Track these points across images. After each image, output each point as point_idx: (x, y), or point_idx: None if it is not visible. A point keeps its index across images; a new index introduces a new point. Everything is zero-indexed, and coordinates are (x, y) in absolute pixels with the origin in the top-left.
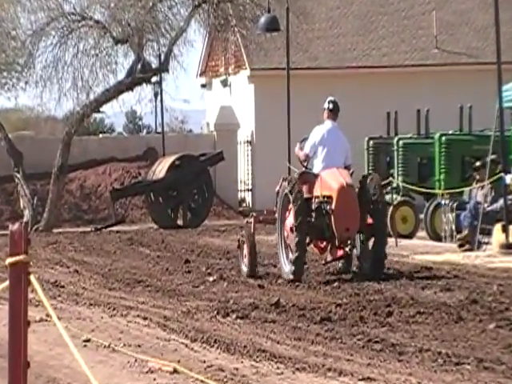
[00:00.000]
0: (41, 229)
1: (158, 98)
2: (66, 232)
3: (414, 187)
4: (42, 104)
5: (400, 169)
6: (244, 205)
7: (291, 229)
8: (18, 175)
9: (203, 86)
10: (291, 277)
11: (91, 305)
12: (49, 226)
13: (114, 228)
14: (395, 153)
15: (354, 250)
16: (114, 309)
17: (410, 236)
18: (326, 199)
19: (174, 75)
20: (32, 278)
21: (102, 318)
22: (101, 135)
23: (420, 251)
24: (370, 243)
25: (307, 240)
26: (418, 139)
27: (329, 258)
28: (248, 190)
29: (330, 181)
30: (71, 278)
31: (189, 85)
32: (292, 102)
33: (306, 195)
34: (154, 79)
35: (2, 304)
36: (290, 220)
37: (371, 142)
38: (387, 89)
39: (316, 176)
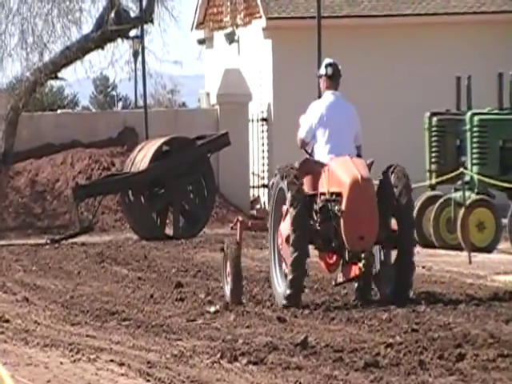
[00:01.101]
0: None
1: (139, 58)
2: (12, 245)
3: (494, 181)
4: None
5: (475, 156)
6: (258, 206)
7: (287, 238)
8: None
9: (201, 42)
10: (284, 302)
11: (46, 346)
12: None
13: (78, 239)
14: (468, 134)
15: (374, 269)
16: (77, 351)
17: (488, 249)
18: (334, 197)
19: (160, 27)
20: None
21: (61, 363)
22: (59, 111)
23: (502, 270)
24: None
25: (309, 253)
26: (501, 115)
27: (340, 279)
28: (263, 186)
29: (341, 173)
30: (19, 308)
31: (181, 41)
32: None
33: (309, 191)
34: (132, 33)
35: None
36: (285, 225)
37: (434, 120)
38: (456, 45)
39: (323, 166)
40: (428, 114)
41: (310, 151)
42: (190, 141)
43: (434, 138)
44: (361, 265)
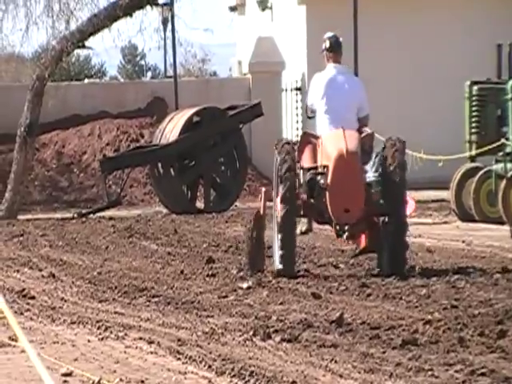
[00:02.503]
0: (1, 215)
1: (168, 26)
2: (38, 219)
3: None
4: (2, 36)
5: None
6: None
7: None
8: None
9: (232, 8)
10: (280, 267)
11: (73, 323)
12: (13, 212)
13: (106, 213)
14: (510, 103)
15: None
16: (105, 329)
17: None
18: (322, 171)
19: None
20: None
21: (88, 341)
22: (86, 80)
23: None
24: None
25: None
26: None
27: (357, 251)
28: None
29: (329, 146)
30: (45, 285)
31: (212, 7)
32: (361, 30)
33: (309, 165)
34: (162, 0)
35: None
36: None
37: (474, 88)
38: (496, 13)
39: (317, 139)
40: (468, 82)
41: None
42: (221, 111)
43: (474, 108)
44: (344, 237)
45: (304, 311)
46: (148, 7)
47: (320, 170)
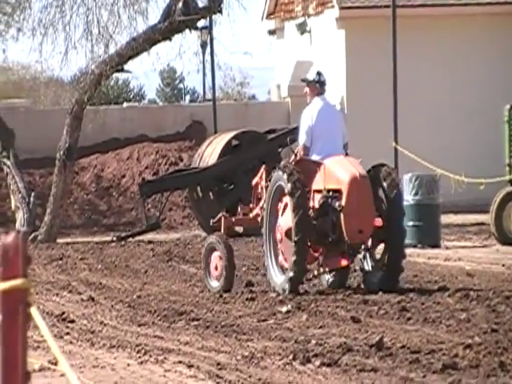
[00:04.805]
0: (40, 238)
1: (207, 50)
2: (77, 243)
3: None
4: (42, 60)
5: None
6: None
7: (286, 232)
8: (8, 162)
9: (271, 32)
10: (287, 286)
11: (113, 347)
12: (52, 235)
13: (145, 237)
14: None
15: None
16: (145, 352)
17: None
18: (331, 194)
19: (229, 18)
20: (33, 310)
21: (128, 365)
22: (125, 104)
23: None
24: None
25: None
26: None
27: (321, 270)
28: None
29: (338, 171)
30: (84, 308)
31: (251, 31)
32: (400, 54)
33: (312, 188)
34: (201, 23)
35: None
36: (285, 220)
37: None
38: None
39: (318, 164)
40: (508, 106)
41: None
42: (260, 135)
43: None
44: (360, 256)
45: (343, 335)
46: (187, 31)
47: (325, 193)
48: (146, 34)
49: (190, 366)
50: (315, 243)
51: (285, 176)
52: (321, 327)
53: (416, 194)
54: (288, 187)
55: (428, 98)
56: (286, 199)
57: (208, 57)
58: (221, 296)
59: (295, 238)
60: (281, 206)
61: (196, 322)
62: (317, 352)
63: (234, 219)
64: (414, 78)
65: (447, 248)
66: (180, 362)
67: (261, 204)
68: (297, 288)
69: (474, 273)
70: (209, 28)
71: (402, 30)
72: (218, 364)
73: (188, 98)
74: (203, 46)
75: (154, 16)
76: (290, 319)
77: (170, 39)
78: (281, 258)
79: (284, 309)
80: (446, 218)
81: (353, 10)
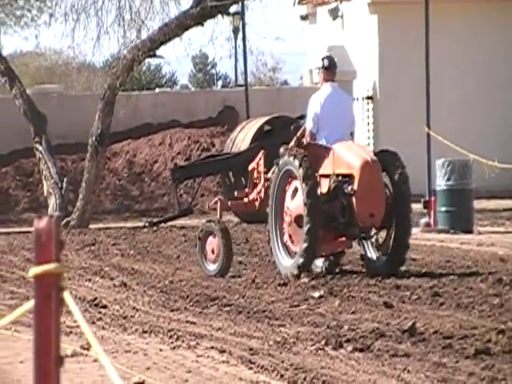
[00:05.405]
0: (73, 224)
1: (240, 35)
2: (109, 228)
3: None
4: (74, 46)
5: None
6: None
7: (296, 217)
8: (40, 148)
9: (303, 17)
10: (295, 272)
11: (145, 332)
12: (84, 220)
13: (177, 222)
14: None
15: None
16: (177, 338)
17: None
18: (342, 178)
19: (261, 3)
20: (66, 295)
21: (160, 350)
22: (157, 90)
23: None
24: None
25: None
26: None
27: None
28: None
29: (349, 156)
30: (117, 294)
31: (283, 16)
32: (432, 39)
33: (321, 172)
34: (233, 9)
35: (19, 332)
36: (295, 204)
37: None
38: None
39: (327, 150)
40: None
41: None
42: (292, 120)
43: None
44: (373, 240)
45: (376, 320)
46: (219, 16)
47: (334, 177)
48: (178, 19)
49: (222, 352)
50: (322, 227)
51: (296, 162)
52: (353, 312)
53: (448, 179)
54: (300, 174)
55: (460, 83)
56: (296, 183)
57: (240, 42)
58: (253, 281)
59: (307, 226)
60: (289, 189)
61: (228, 308)
62: (349, 337)
63: (230, 203)
64: (447, 63)
65: (480, 233)
66: (212, 347)
67: (258, 189)
68: (304, 272)
69: (506, 258)
70: (241, 13)
71: (434, 15)
72: (251, 349)
73: (220, 83)
74: (235, 31)
75: (186, 1)
76: (323, 304)
77: (202, 24)
78: (287, 240)
79: (316, 294)
80: (478, 204)
81: None
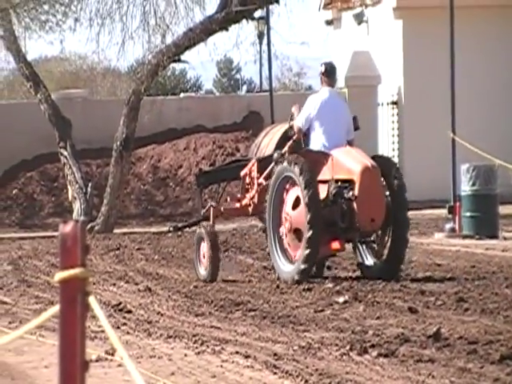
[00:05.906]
0: (97, 229)
1: (264, 40)
2: (134, 233)
3: None
4: (99, 51)
5: None
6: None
7: (297, 223)
8: (65, 153)
9: (328, 22)
10: (297, 277)
11: (170, 337)
12: (109, 225)
13: None
14: None
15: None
16: (202, 343)
17: None
18: (342, 184)
19: (286, 8)
20: (92, 300)
21: (185, 355)
22: (182, 94)
23: None
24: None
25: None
26: None
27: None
28: None
29: (348, 162)
30: (141, 298)
31: (308, 21)
32: (457, 44)
33: (320, 178)
34: (257, 14)
35: (44, 337)
36: (295, 211)
37: None
38: None
39: (325, 156)
40: None
41: (306, 142)
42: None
43: None
44: (375, 245)
45: (401, 326)
46: (244, 21)
47: (333, 183)
48: (203, 24)
49: (246, 357)
50: (321, 232)
51: (296, 169)
52: (378, 318)
53: (473, 184)
54: (301, 181)
55: (485, 88)
56: (295, 190)
57: (265, 47)
58: (277, 287)
59: (309, 233)
60: (287, 195)
61: (253, 313)
62: (374, 343)
63: (222, 209)
64: (471, 68)
65: (505, 239)
66: (237, 352)
67: (250, 195)
68: (305, 278)
69: None
70: (266, 18)
71: (459, 21)
72: (275, 354)
73: (245, 88)
74: (260, 36)
75: (211, 6)
76: (347, 310)
77: (227, 29)
78: (287, 246)
79: (341, 299)
80: (504, 209)
81: (410, 0)
